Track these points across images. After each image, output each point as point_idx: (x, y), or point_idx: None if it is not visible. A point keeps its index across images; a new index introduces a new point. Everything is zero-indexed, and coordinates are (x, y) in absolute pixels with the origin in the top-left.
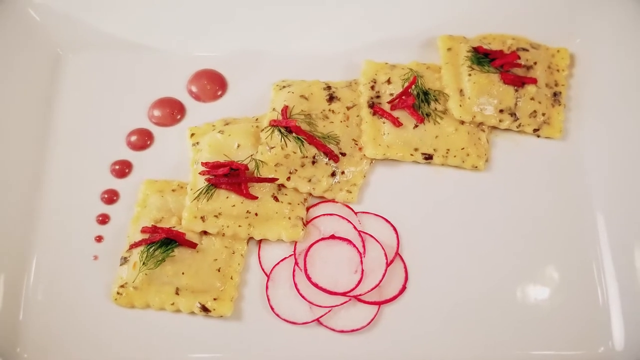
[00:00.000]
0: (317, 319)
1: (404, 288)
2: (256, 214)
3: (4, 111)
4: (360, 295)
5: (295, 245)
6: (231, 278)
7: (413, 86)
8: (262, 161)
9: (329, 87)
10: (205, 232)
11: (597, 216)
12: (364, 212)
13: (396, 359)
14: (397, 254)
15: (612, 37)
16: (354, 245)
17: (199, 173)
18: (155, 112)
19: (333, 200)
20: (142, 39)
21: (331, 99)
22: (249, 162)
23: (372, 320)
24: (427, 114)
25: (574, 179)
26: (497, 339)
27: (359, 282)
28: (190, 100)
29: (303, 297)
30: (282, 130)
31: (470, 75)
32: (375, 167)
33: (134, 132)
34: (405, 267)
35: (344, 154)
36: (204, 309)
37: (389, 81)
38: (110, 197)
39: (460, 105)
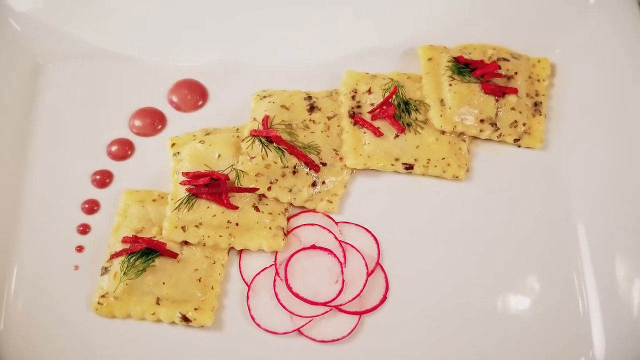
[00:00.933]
0: (298, 329)
1: (384, 298)
2: (237, 224)
3: None
4: (340, 305)
5: (276, 255)
6: (212, 288)
7: (394, 96)
8: (242, 171)
9: (309, 97)
10: (186, 242)
11: (578, 226)
12: (344, 222)
13: None
14: (377, 264)
15: (593, 47)
16: (335, 255)
17: (180, 183)
18: (136, 122)
19: (314, 210)
20: (122, 49)
21: (312, 109)
22: (230, 172)
23: (352, 330)
24: (407, 124)
25: (554, 189)
26: (478, 349)
27: (340, 292)
28: (171, 110)
29: (284, 307)
30: (263, 140)
31: (451, 85)
32: (356, 177)
33: (115, 142)
34: (386, 277)
35: (324, 164)
36: (185, 318)
37: (369, 91)
38: (91, 207)
39: (441, 115)
